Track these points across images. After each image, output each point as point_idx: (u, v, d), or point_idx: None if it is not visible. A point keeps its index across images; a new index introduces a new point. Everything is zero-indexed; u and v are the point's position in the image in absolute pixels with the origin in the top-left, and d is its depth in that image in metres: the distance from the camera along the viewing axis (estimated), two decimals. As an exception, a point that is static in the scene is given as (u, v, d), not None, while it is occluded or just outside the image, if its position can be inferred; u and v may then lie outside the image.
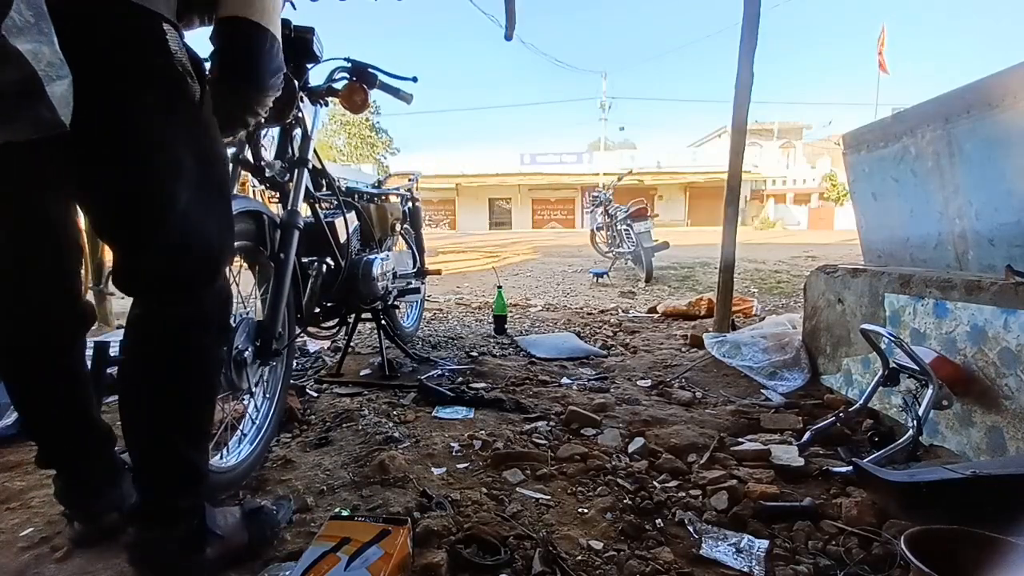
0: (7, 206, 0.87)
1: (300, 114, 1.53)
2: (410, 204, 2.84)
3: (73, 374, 1.00)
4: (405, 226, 2.79)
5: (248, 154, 1.44)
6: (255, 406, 1.40)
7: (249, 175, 1.51)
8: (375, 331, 2.31)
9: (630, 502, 1.22)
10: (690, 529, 1.12)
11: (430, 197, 27.59)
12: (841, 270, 1.96)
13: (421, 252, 2.89)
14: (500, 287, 3.20)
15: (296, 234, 1.41)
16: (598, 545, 1.06)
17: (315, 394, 1.96)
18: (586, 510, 1.18)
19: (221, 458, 1.24)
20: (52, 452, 1.00)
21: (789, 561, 1.01)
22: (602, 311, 3.89)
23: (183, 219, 0.83)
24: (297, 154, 1.56)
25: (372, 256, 2.05)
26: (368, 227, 2.17)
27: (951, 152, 1.74)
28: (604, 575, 0.98)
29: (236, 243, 1.21)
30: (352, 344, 2.46)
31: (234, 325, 1.22)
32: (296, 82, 1.32)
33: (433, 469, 1.37)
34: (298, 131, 1.58)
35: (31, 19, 0.60)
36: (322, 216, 1.79)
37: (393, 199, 2.64)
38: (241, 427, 1.37)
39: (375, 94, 1.70)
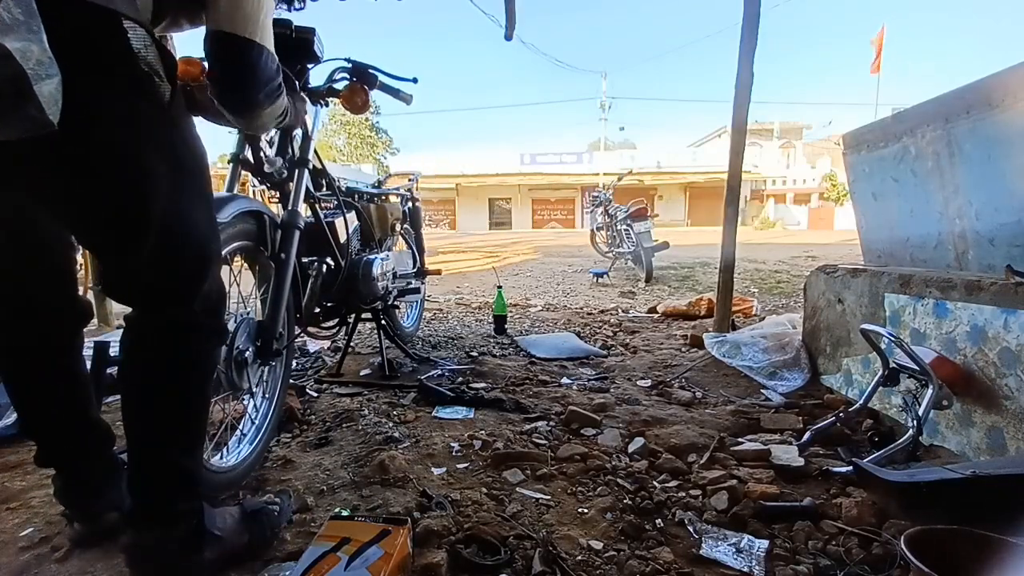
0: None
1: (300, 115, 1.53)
2: (410, 204, 2.84)
3: (72, 373, 1.00)
4: (405, 226, 2.79)
5: (248, 154, 1.44)
6: (255, 406, 1.40)
7: (249, 175, 1.51)
8: (375, 331, 2.31)
9: (630, 502, 1.22)
10: (690, 529, 1.12)
11: (430, 197, 27.58)
12: (841, 270, 1.96)
13: (421, 252, 2.89)
14: (500, 287, 3.20)
15: (297, 234, 1.41)
16: (598, 545, 1.06)
17: (315, 394, 1.96)
18: (586, 510, 1.18)
19: (221, 458, 1.25)
20: (51, 451, 1.00)
21: (789, 561, 1.01)
22: (602, 311, 3.89)
23: (161, 228, 0.81)
24: (297, 154, 1.56)
25: (372, 256, 2.05)
26: (368, 227, 2.17)
27: (951, 152, 1.74)
28: (604, 575, 0.98)
29: (237, 243, 1.22)
30: (352, 344, 2.46)
31: (234, 325, 1.22)
32: (297, 83, 1.32)
33: (433, 469, 1.37)
34: (298, 131, 1.58)
35: (20, 17, 0.59)
36: (322, 216, 1.79)
37: (393, 199, 2.64)
38: (241, 427, 1.37)
39: (375, 94, 1.70)
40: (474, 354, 2.53)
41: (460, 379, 2.12)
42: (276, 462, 1.39)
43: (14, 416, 1.49)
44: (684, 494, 1.25)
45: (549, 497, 1.24)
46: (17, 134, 0.63)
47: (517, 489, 1.28)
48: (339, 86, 1.65)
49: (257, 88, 0.94)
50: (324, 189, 1.88)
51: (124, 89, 0.76)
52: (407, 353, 2.41)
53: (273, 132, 1.53)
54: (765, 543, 1.06)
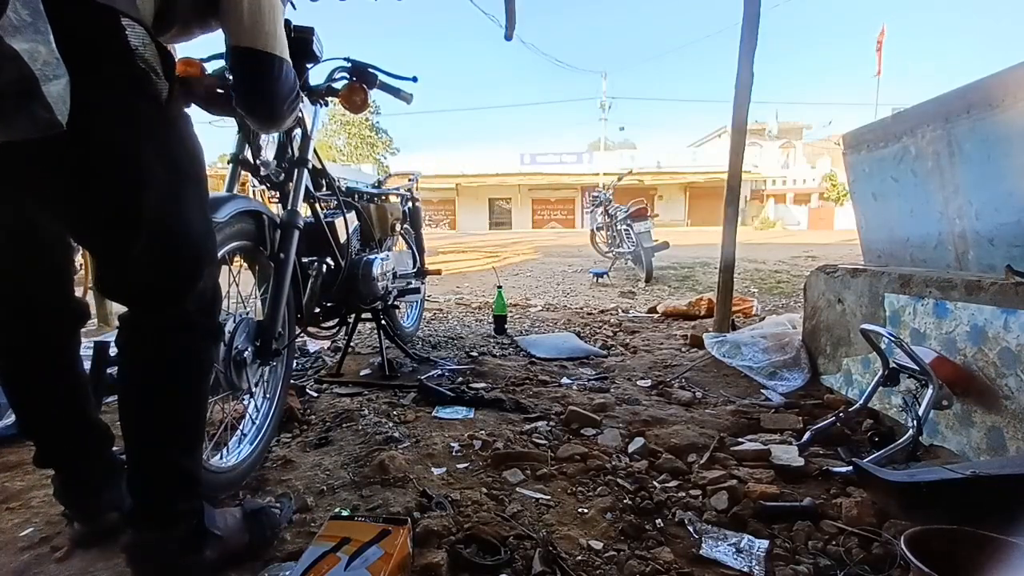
0: None
1: (300, 115, 1.53)
2: (410, 204, 2.84)
3: (70, 374, 1.00)
4: (405, 226, 2.79)
5: (248, 154, 1.44)
6: (255, 406, 1.40)
7: (249, 175, 1.50)
8: (375, 331, 2.31)
9: (630, 502, 1.22)
10: (690, 529, 1.12)
11: (430, 197, 27.59)
12: (841, 270, 1.96)
13: (421, 252, 2.89)
14: (500, 287, 3.20)
15: (296, 234, 1.41)
16: (598, 545, 1.06)
17: (315, 394, 1.96)
18: (586, 510, 1.18)
19: (221, 458, 1.25)
20: (50, 452, 1.00)
21: (789, 561, 1.01)
22: (602, 311, 3.89)
23: (157, 227, 0.81)
24: (297, 154, 1.56)
25: (372, 256, 2.05)
26: (368, 227, 2.17)
27: (951, 152, 1.74)
28: (604, 575, 0.98)
29: (235, 243, 1.21)
30: (352, 344, 2.46)
31: (234, 325, 1.22)
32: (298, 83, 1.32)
33: (433, 469, 1.37)
34: (298, 131, 1.58)
35: (28, 18, 0.59)
36: (322, 216, 1.79)
37: (393, 199, 2.64)
38: (241, 427, 1.37)
39: (375, 94, 1.70)
40: (474, 354, 2.53)
41: (460, 379, 2.12)
42: (276, 462, 1.39)
43: (14, 416, 1.49)
44: (684, 494, 1.25)
45: (549, 497, 1.24)
46: (25, 135, 0.63)
47: (517, 489, 1.28)
48: (338, 85, 1.65)
49: (282, 100, 1.02)
50: (324, 189, 1.88)
51: (122, 87, 0.76)
52: (407, 353, 2.41)
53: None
54: (765, 543, 1.06)
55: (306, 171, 1.56)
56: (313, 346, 2.59)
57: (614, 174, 10.20)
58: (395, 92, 1.73)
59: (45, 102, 0.61)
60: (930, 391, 1.32)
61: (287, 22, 1.40)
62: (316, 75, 1.62)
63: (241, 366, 1.22)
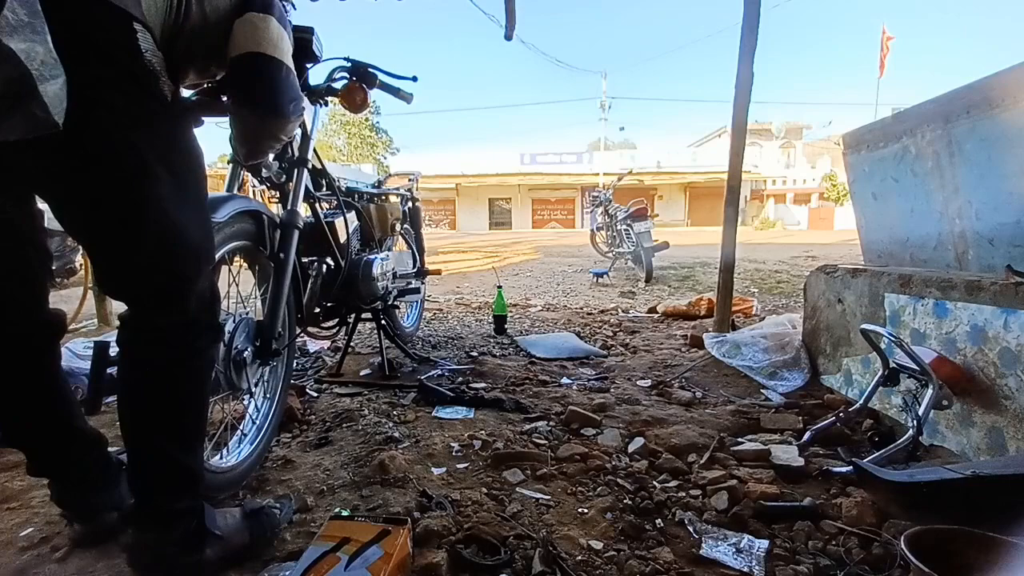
0: None
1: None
2: (410, 204, 2.83)
3: (48, 385, 0.97)
4: (405, 226, 2.79)
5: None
6: (255, 406, 1.40)
7: (249, 175, 1.51)
8: (375, 331, 2.31)
9: (630, 502, 1.22)
10: (690, 529, 1.12)
11: (430, 197, 27.59)
12: (841, 270, 1.96)
13: (421, 252, 2.89)
14: (500, 287, 3.20)
15: (296, 234, 1.41)
16: (598, 545, 1.06)
17: (315, 394, 1.96)
18: (586, 510, 1.18)
19: (221, 458, 1.25)
20: (39, 462, 0.99)
21: (789, 561, 1.01)
22: (602, 311, 3.89)
23: (157, 228, 0.82)
24: (297, 154, 1.56)
25: (372, 256, 2.05)
26: (368, 227, 2.17)
27: (951, 152, 1.74)
28: (604, 575, 0.98)
29: (235, 243, 1.21)
30: (352, 344, 2.46)
31: (233, 325, 1.22)
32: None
33: (433, 469, 1.37)
34: (298, 131, 1.58)
35: (25, 18, 0.60)
36: (322, 216, 1.79)
37: (393, 199, 2.64)
38: (241, 427, 1.37)
39: (375, 94, 1.70)
40: (474, 354, 2.53)
41: (460, 379, 2.12)
42: (276, 462, 1.39)
43: None
44: (684, 494, 1.25)
45: (549, 497, 1.24)
46: (21, 134, 0.63)
47: (517, 489, 1.28)
48: (338, 85, 1.65)
49: (285, 99, 1.02)
50: (324, 189, 1.88)
51: (128, 86, 0.77)
52: (407, 353, 2.41)
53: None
54: (765, 543, 1.06)
55: (306, 171, 1.56)
56: (313, 346, 2.59)
57: (614, 174, 10.20)
58: (395, 92, 1.73)
59: (42, 102, 0.61)
60: (930, 391, 1.32)
61: None
62: (316, 75, 1.62)
63: (241, 366, 1.22)
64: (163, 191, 0.81)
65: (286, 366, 1.51)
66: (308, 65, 1.49)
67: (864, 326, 1.52)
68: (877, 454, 1.34)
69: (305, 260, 1.71)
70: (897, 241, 2.08)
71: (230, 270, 1.33)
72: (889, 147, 2.03)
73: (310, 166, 1.59)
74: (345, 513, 1.09)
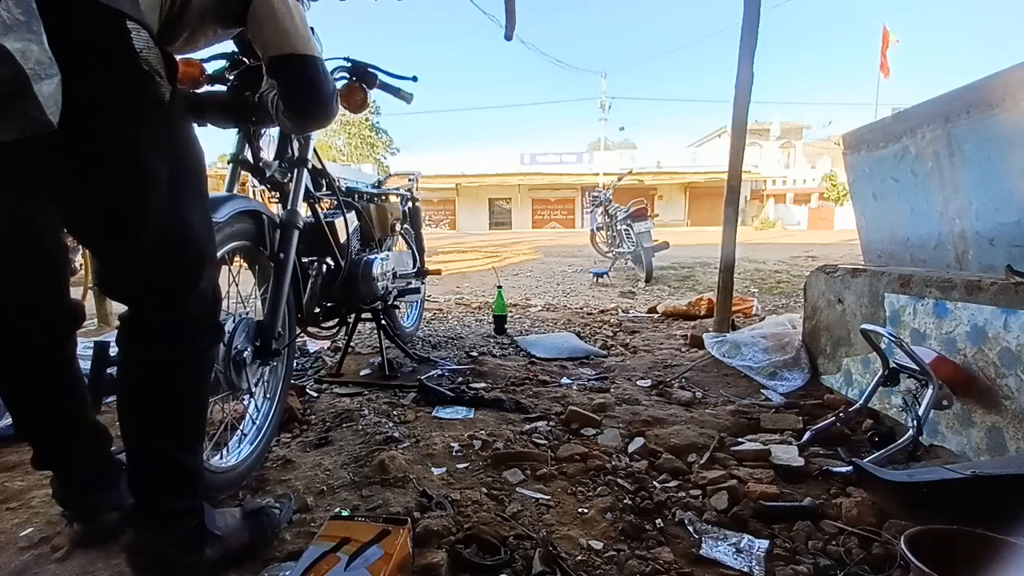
0: None
1: None
2: (410, 204, 2.84)
3: (65, 376, 0.99)
4: (405, 226, 2.79)
5: (248, 154, 1.44)
6: (255, 406, 1.40)
7: (249, 175, 1.50)
8: (375, 331, 2.31)
9: (630, 502, 1.22)
10: (690, 529, 1.12)
11: (430, 197, 27.58)
12: (841, 270, 1.96)
13: (421, 252, 2.89)
14: (500, 287, 3.20)
15: (296, 234, 1.41)
16: (598, 545, 1.06)
17: (315, 394, 1.96)
18: (586, 510, 1.18)
19: (221, 458, 1.25)
20: (47, 454, 1.00)
21: (789, 561, 1.01)
22: (602, 311, 3.89)
23: (158, 228, 0.82)
24: (296, 154, 1.56)
25: (372, 256, 2.05)
26: (368, 227, 2.17)
27: (951, 152, 1.74)
28: (604, 575, 0.98)
29: (235, 243, 1.21)
30: (352, 344, 2.46)
31: (233, 325, 1.22)
32: None
33: (433, 469, 1.37)
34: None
35: (21, 17, 0.59)
36: (322, 216, 1.79)
37: (393, 199, 2.64)
38: (241, 427, 1.37)
39: (375, 94, 1.69)
40: (474, 354, 2.53)
41: (460, 379, 2.12)
42: (276, 462, 1.39)
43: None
44: (684, 494, 1.25)
45: (549, 497, 1.24)
46: (16, 134, 0.63)
47: (517, 489, 1.28)
48: (338, 85, 1.65)
49: (330, 94, 1.08)
50: (324, 189, 1.88)
51: (125, 87, 0.76)
52: (407, 353, 2.41)
53: (273, 131, 1.53)
54: (765, 543, 1.06)
55: (306, 171, 1.56)
56: (313, 346, 2.59)
57: (614, 174, 10.20)
58: (395, 92, 1.73)
59: (37, 101, 0.61)
60: (930, 391, 1.32)
61: None
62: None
63: (241, 366, 1.22)
64: (163, 191, 0.81)
65: (286, 366, 1.51)
66: None
67: (864, 326, 1.52)
68: (877, 454, 1.34)
69: (305, 260, 1.71)
70: (897, 241, 2.08)
71: (230, 270, 1.33)
72: (889, 147, 2.03)
73: (310, 166, 1.59)
74: (345, 513, 1.10)
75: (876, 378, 1.51)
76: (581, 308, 4.05)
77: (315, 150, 1.70)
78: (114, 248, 0.83)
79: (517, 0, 2.93)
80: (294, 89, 1.05)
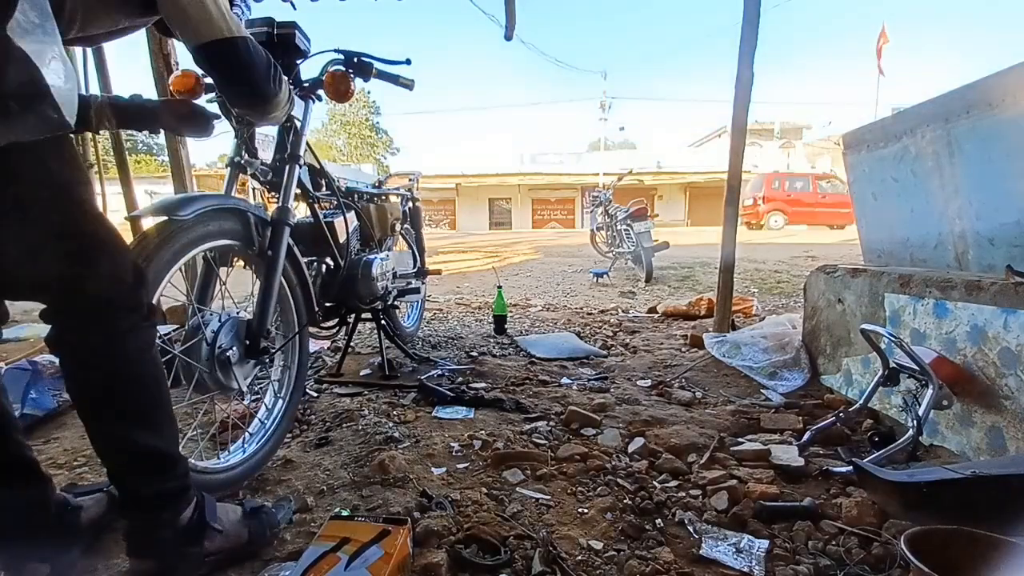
0: None
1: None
2: (410, 204, 2.83)
3: None
4: (405, 226, 2.79)
5: (244, 154, 1.43)
6: (265, 405, 1.41)
7: (250, 177, 1.50)
8: (375, 331, 2.31)
9: (630, 502, 1.22)
10: (690, 529, 1.12)
11: (430, 197, 27.56)
12: (841, 270, 1.96)
13: (421, 252, 2.89)
14: (500, 287, 3.20)
15: (287, 231, 1.37)
16: (598, 545, 1.06)
17: (315, 394, 1.96)
18: (586, 510, 1.18)
19: (230, 454, 1.26)
20: None
21: (789, 561, 1.01)
22: (602, 311, 3.89)
23: (24, 222, 0.78)
24: (289, 150, 1.53)
25: (372, 256, 2.05)
26: (368, 227, 2.17)
27: (951, 152, 1.74)
28: (604, 575, 0.98)
29: (214, 242, 1.19)
30: (352, 344, 2.46)
31: (219, 324, 1.21)
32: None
33: (433, 469, 1.37)
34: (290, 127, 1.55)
35: (36, 20, 0.60)
36: (321, 216, 1.79)
37: (393, 199, 2.64)
38: (249, 426, 1.38)
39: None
40: (474, 354, 2.53)
41: (460, 379, 2.12)
42: (276, 462, 1.39)
43: None
44: (684, 494, 1.25)
45: (549, 497, 1.24)
46: (34, 135, 0.63)
47: (517, 489, 1.28)
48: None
49: (263, 76, 1.01)
50: (323, 189, 1.88)
51: None
52: (407, 353, 2.41)
53: (273, 131, 1.52)
54: (765, 543, 1.06)
55: (298, 167, 1.51)
56: (313, 346, 2.59)
57: (614, 174, 10.19)
58: (394, 79, 1.69)
59: (54, 102, 0.61)
60: (930, 391, 1.32)
61: (269, 20, 1.40)
62: (315, 73, 1.61)
63: (226, 364, 1.21)
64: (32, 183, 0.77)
65: (299, 365, 1.50)
66: (298, 61, 1.48)
67: (864, 326, 1.52)
68: (877, 454, 1.34)
69: (305, 260, 1.71)
70: (897, 241, 2.08)
71: (216, 269, 1.32)
72: (889, 147, 2.03)
73: (302, 163, 1.56)
74: (345, 513, 1.10)
75: (876, 378, 1.51)
76: (581, 308, 4.05)
77: (313, 151, 1.69)
78: None
79: (517, 0, 2.93)
80: (223, 77, 1.00)
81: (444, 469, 1.37)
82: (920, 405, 1.33)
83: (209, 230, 1.16)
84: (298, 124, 1.53)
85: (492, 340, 2.90)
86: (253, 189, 1.78)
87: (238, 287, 1.49)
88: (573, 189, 28.27)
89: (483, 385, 2.05)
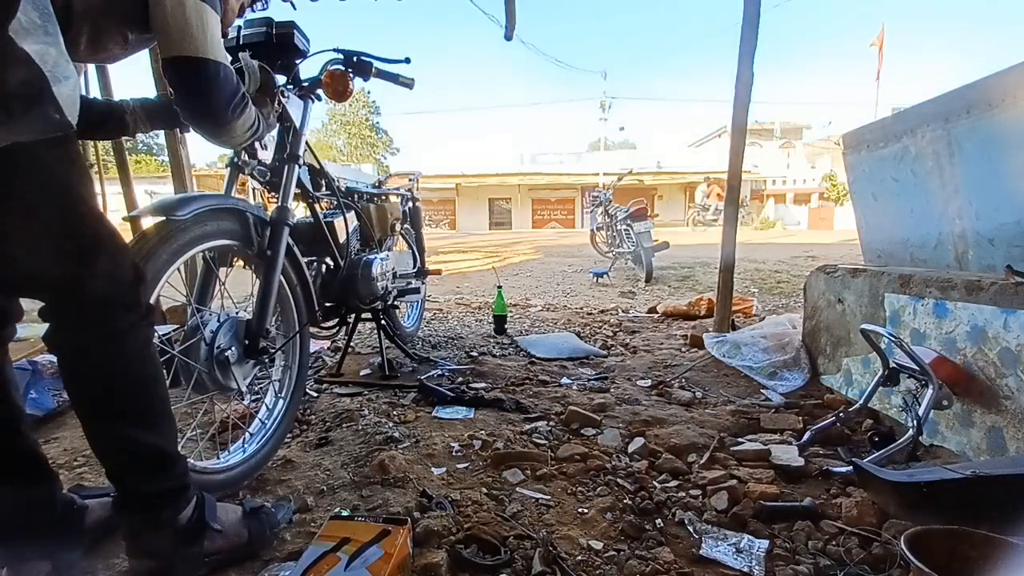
0: None
1: (281, 110, 1.48)
2: (410, 204, 2.83)
3: None
4: (405, 226, 2.78)
5: (243, 156, 1.43)
6: (266, 406, 1.41)
7: (250, 178, 1.50)
8: (375, 331, 2.31)
9: (630, 502, 1.22)
10: (690, 529, 1.12)
11: (430, 197, 27.56)
12: (841, 270, 1.96)
13: (421, 252, 2.89)
14: (500, 287, 3.20)
15: (286, 231, 1.37)
16: (598, 545, 1.06)
17: (315, 394, 1.96)
18: (586, 510, 1.18)
19: (229, 454, 1.26)
20: None
21: (789, 561, 1.01)
22: (602, 311, 3.89)
23: (22, 222, 0.78)
24: (288, 150, 1.53)
25: (372, 256, 2.05)
26: (368, 227, 2.17)
27: (951, 152, 1.74)
28: (604, 575, 0.98)
29: (212, 242, 1.18)
30: (352, 344, 2.46)
31: (217, 324, 1.21)
32: (275, 78, 1.31)
33: (433, 469, 1.37)
34: (289, 127, 1.55)
35: (37, 20, 0.60)
36: (321, 216, 1.78)
37: (393, 199, 2.63)
38: (249, 426, 1.38)
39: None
40: (474, 354, 2.53)
41: (460, 379, 2.12)
42: (276, 462, 1.39)
43: None
44: (684, 494, 1.25)
45: (549, 497, 1.24)
46: (37, 135, 0.63)
47: (517, 489, 1.28)
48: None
49: (223, 103, 0.96)
50: (323, 189, 1.88)
51: None
52: (407, 353, 2.41)
53: (273, 132, 1.52)
54: (765, 543, 1.06)
55: (297, 167, 1.51)
56: (313, 346, 2.59)
57: (614, 174, 10.19)
58: (394, 78, 1.69)
59: (56, 102, 0.61)
60: (930, 391, 1.32)
61: (268, 20, 1.40)
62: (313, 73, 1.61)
63: (225, 364, 1.21)
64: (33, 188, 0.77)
65: (300, 365, 1.50)
66: (297, 60, 1.48)
67: (864, 326, 1.52)
68: (877, 454, 1.34)
69: (304, 260, 1.70)
70: (897, 241, 2.08)
71: (215, 269, 1.32)
72: (889, 147, 2.03)
73: (302, 163, 1.56)
74: (345, 513, 1.10)
75: (876, 378, 1.51)
76: (581, 308, 4.05)
77: (313, 151, 1.69)
78: None
79: (517, 0, 2.93)
80: (181, 93, 0.96)
81: (444, 469, 1.37)
82: (920, 405, 1.33)
83: (207, 230, 1.16)
84: (297, 124, 1.53)
85: (492, 340, 2.90)
86: (253, 189, 1.78)
87: (238, 287, 1.49)
88: (573, 189, 28.27)
89: (483, 385, 2.05)
